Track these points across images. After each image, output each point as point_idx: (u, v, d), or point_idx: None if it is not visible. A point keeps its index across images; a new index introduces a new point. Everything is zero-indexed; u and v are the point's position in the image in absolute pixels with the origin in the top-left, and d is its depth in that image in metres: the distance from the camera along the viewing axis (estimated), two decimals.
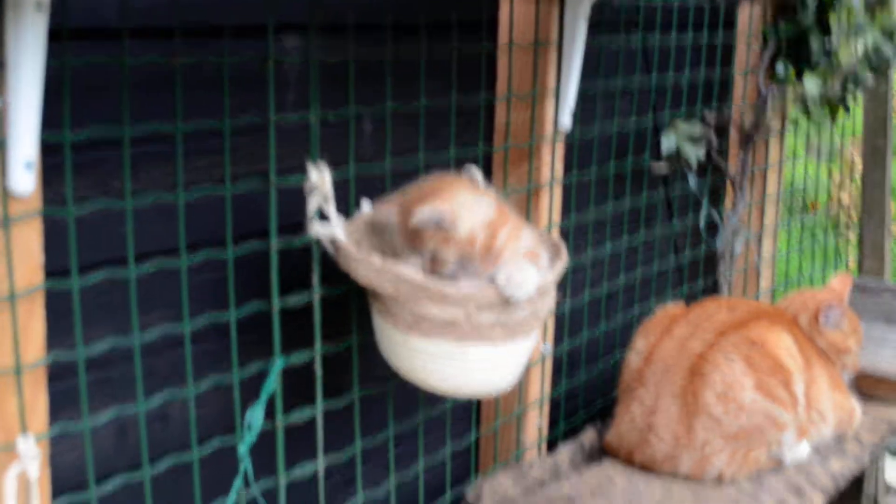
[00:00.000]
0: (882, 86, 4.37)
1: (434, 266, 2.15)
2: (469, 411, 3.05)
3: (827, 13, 3.64)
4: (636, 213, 3.49)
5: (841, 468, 3.02)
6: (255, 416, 2.14)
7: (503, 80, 2.81)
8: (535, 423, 3.05)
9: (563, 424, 3.28)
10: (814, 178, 5.31)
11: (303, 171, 2.11)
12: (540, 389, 3.02)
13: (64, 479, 1.97)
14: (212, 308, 2.12)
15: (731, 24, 3.75)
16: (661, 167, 3.46)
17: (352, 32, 2.28)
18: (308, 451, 2.30)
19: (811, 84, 3.54)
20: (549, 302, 2.29)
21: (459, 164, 2.50)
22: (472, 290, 2.11)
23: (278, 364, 2.15)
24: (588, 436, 3.10)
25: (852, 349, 3.19)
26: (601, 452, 3.06)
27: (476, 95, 2.67)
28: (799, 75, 3.61)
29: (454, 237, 2.14)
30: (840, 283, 3.34)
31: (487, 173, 2.83)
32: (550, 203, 2.92)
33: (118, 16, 1.95)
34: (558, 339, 3.18)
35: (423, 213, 2.13)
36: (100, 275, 1.88)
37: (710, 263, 3.87)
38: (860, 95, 4.02)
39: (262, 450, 2.21)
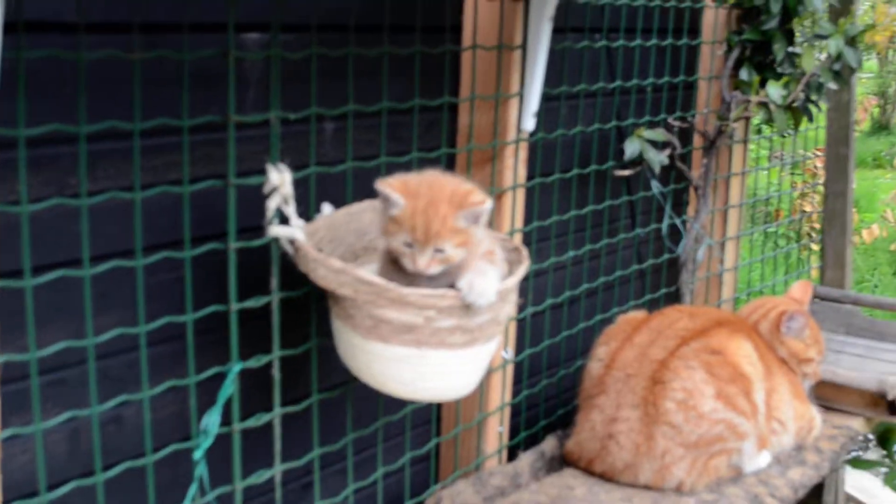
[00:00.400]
0: (845, 95, 4.38)
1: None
2: (429, 418, 3.03)
3: (791, 20, 3.64)
4: (599, 218, 3.47)
5: (800, 477, 3.01)
6: (212, 421, 2.10)
7: (467, 83, 2.79)
8: (496, 430, 3.02)
9: (524, 433, 3.25)
10: (779, 187, 5.32)
11: (263, 171, 2.08)
12: (501, 397, 3.00)
13: (15, 484, 1.94)
14: (169, 310, 2.08)
15: (695, 29, 3.75)
16: (624, 172, 3.44)
17: (314, 32, 2.25)
18: (265, 457, 2.26)
19: (774, 91, 3.53)
20: (509, 307, 2.27)
21: (422, 166, 2.48)
22: (432, 295, 2.08)
23: (235, 367, 2.12)
24: (549, 444, 3.08)
25: (813, 359, 3.19)
26: (562, 461, 3.04)
27: (440, 97, 2.64)
28: (763, 82, 3.61)
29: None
30: (800, 290, 3.34)
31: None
32: (513, 207, 2.89)
33: (75, 9, 1.91)
34: (520, 346, 3.16)
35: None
36: (54, 275, 1.84)
37: (673, 271, 3.85)
38: (824, 104, 4.02)
39: (219, 455, 2.17)
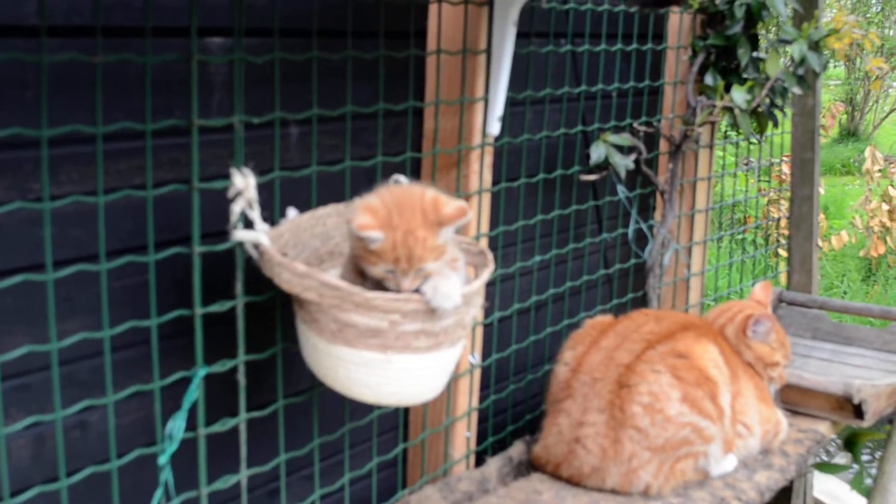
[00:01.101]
0: (810, 100, 4.40)
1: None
2: (396, 423, 3.02)
3: (755, 25, 3.66)
4: (565, 223, 3.48)
5: (767, 481, 3.02)
6: (177, 426, 2.09)
7: (432, 87, 2.79)
8: (464, 435, 3.02)
9: (491, 438, 3.25)
10: (749, 192, 5.35)
11: (228, 175, 2.07)
12: (468, 401, 3.00)
13: None
14: (133, 315, 2.07)
15: (660, 34, 3.76)
16: (590, 177, 3.45)
17: (277, 36, 2.25)
18: (231, 462, 2.25)
19: (738, 95, 3.55)
20: (474, 311, 2.27)
21: (387, 171, 2.48)
22: (397, 299, 2.08)
23: (200, 372, 2.11)
24: (517, 449, 3.08)
25: (780, 363, 3.20)
26: (530, 466, 3.04)
27: (404, 102, 2.64)
28: (728, 87, 3.62)
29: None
30: (762, 291, 3.36)
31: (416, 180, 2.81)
32: (479, 211, 2.90)
33: (37, 13, 1.91)
34: (487, 350, 3.16)
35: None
36: (17, 279, 1.83)
37: (640, 275, 3.86)
38: (789, 110, 4.04)
39: (184, 460, 2.16)
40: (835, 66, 18.85)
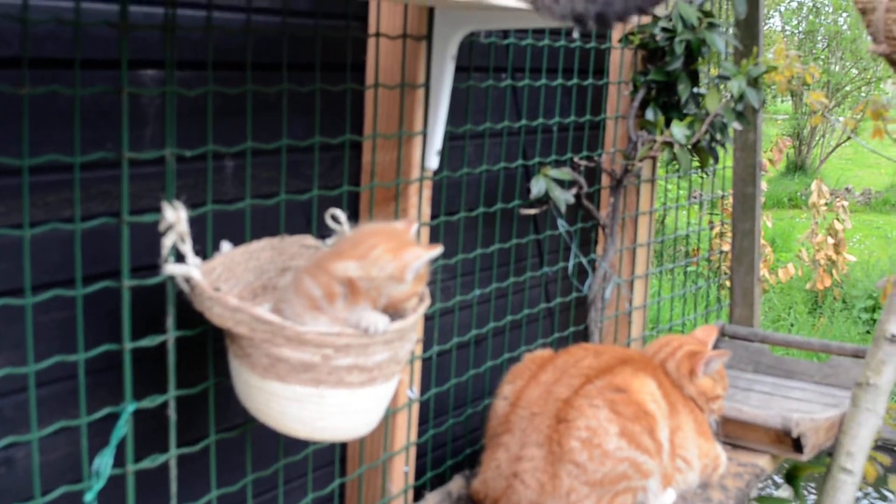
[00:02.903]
0: (751, 135, 4.43)
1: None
2: (333, 458, 3.00)
3: (695, 61, 3.68)
4: (506, 257, 3.48)
5: None
6: (104, 462, 2.07)
7: (370, 121, 2.79)
8: (402, 470, 3.01)
9: (430, 473, 3.23)
10: (700, 225, 5.38)
11: (159, 209, 2.06)
12: (406, 436, 2.98)
13: None
14: (61, 349, 2.05)
15: (601, 69, 3.77)
16: (530, 211, 3.45)
17: (211, 69, 2.24)
18: (161, 499, 2.22)
19: (678, 131, 3.57)
20: (409, 346, 2.26)
21: (324, 204, 2.48)
22: (329, 333, 2.07)
23: (129, 408, 2.09)
24: (456, 484, 3.07)
25: (720, 395, 3.21)
26: (469, 501, 3.03)
27: (342, 135, 2.63)
28: (668, 122, 3.64)
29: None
30: (705, 333, 3.37)
31: (354, 214, 2.80)
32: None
33: None
34: (426, 385, 3.15)
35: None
36: None
37: (582, 309, 3.87)
38: (730, 145, 4.07)
39: (113, 497, 2.14)
40: (782, 101, 19.03)
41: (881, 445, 3.86)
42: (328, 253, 2.26)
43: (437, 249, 2.22)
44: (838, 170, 17.72)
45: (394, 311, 2.21)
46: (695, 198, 5.20)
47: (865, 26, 3.06)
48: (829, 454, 3.56)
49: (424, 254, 2.20)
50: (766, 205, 14.41)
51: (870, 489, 6.31)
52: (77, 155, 1.98)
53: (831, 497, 3.43)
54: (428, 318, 3.10)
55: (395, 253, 2.19)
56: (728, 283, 4.80)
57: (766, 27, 16.66)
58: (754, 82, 3.76)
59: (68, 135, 2.08)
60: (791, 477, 3.88)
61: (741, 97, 3.75)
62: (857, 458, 3.44)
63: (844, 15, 16.98)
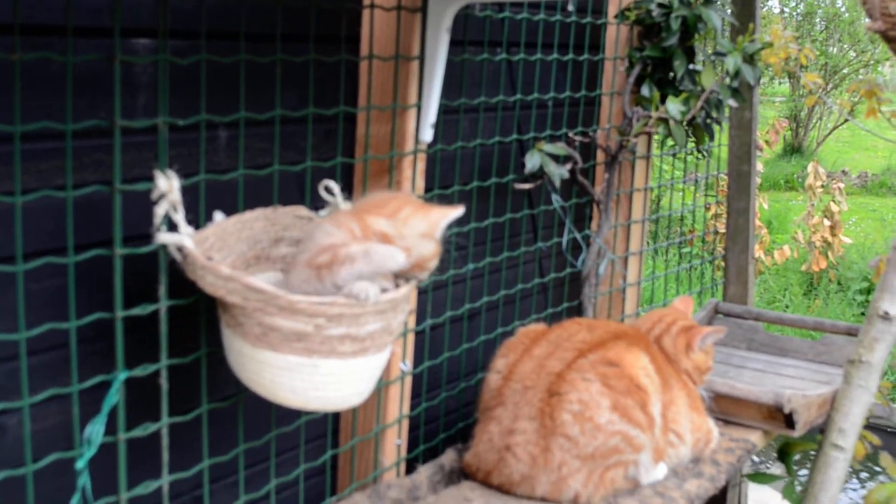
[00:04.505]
0: (747, 113, 4.43)
1: None
2: (325, 430, 3.01)
3: (691, 37, 3.68)
4: (500, 232, 3.47)
5: (697, 489, 3.03)
6: (95, 430, 2.07)
7: (364, 93, 2.79)
8: (394, 442, 3.01)
9: (423, 446, 3.24)
10: (695, 205, 5.38)
11: (151, 178, 2.05)
12: (399, 409, 2.99)
13: None
14: (54, 318, 2.05)
15: (597, 45, 3.77)
16: (524, 186, 3.45)
17: (204, 38, 2.23)
18: (152, 468, 2.23)
19: (673, 107, 3.56)
20: (402, 317, 2.27)
21: (318, 176, 2.47)
22: (322, 302, 2.07)
23: (121, 376, 2.09)
24: (448, 457, 3.07)
25: (711, 367, 3.22)
26: (461, 474, 3.03)
27: (336, 107, 2.63)
28: (663, 98, 3.64)
29: None
30: (684, 304, 3.38)
31: (348, 186, 2.80)
32: None
33: None
34: (419, 358, 3.15)
35: None
36: None
37: (576, 285, 3.87)
38: (725, 123, 4.07)
39: (103, 465, 2.14)
40: (780, 83, 19.03)
41: (872, 425, 3.87)
42: (349, 212, 2.29)
43: (460, 209, 2.26)
44: (835, 152, 17.74)
45: (413, 275, 2.27)
46: (690, 178, 5.20)
47: (862, 3, 3.06)
48: (820, 431, 3.56)
49: (451, 212, 2.27)
50: (763, 186, 14.43)
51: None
52: (69, 122, 1.98)
53: (823, 473, 3.44)
54: (421, 292, 3.10)
55: (423, 212, 2.22)
56: (723, 264, 4.80)
57: (764, 9, 16.67)
58: (750, 59, 3.76)
59: (61, 103, 2.07)
60: (783, 454, 3.88)
61: (737, 74, 3.74)
62: (848, 434, 3.45)
63: None
